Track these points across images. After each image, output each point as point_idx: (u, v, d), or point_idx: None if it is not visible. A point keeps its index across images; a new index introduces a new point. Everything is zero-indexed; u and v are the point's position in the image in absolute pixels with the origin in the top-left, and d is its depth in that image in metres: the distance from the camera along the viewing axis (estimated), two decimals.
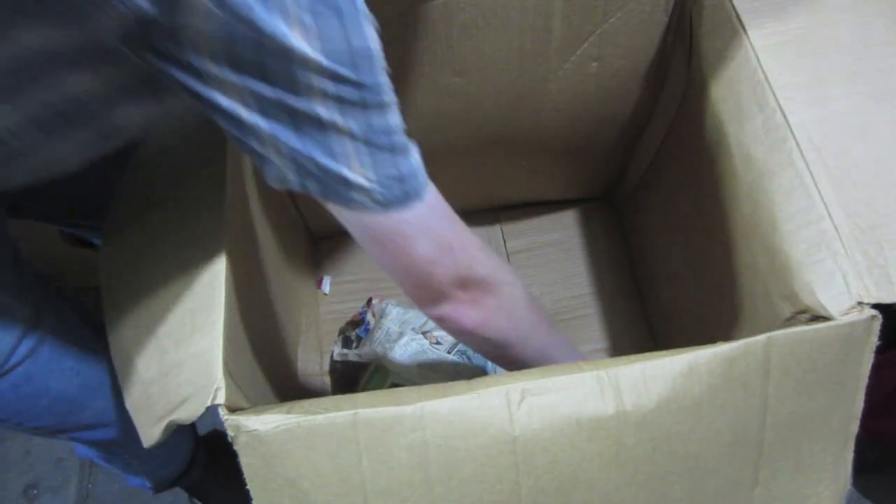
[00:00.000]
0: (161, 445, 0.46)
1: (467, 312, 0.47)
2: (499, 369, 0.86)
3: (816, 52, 0.54)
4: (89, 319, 0.63)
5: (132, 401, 0.48)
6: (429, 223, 0.43)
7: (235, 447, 0.43)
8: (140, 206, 0.57)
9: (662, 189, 0.83)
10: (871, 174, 0.48)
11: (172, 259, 0.52)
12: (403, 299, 0.93)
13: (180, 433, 0.78)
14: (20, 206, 0.59)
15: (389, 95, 0.38)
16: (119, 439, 0.69)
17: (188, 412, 0.44)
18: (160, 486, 0.92)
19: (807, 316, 0.48)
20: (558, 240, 1.00)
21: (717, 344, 0.44)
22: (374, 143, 0.38)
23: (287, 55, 0.33)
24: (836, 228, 0.46)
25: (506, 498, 0.43)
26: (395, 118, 0.39)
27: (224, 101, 0.35)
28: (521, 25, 0.67)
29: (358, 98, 0.36)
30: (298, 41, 0.32)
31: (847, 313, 0.44)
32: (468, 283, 0.46)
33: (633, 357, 0.45)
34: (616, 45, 0.71)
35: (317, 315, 0.95)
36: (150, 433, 0.46)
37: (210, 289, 0.48)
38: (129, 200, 0.58)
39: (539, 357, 0.52)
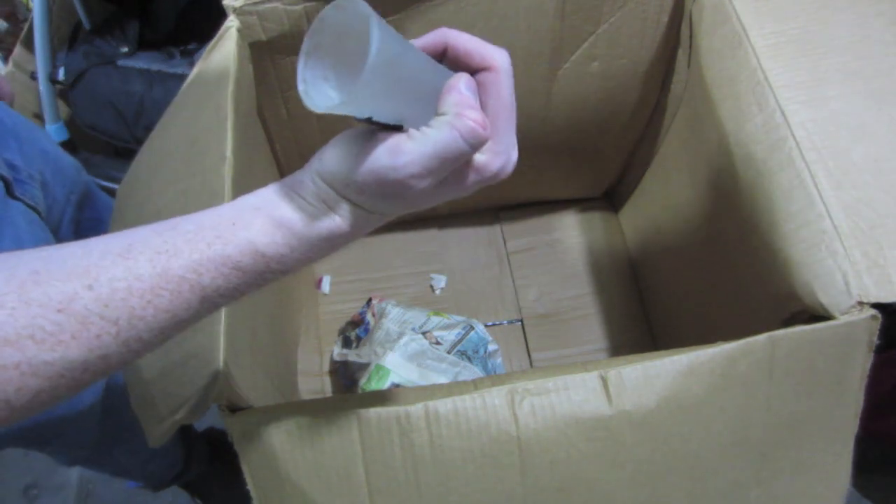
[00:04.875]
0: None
1: None
2: (498, 369, 0.86)
3: (816, 52, 0.54)
4: None
5: (136, 400, 0.48)
6: None
7: (236, 447, 0.43)
8: (141, 201, 0.57)
9: (662, 189, 0.83)
10: (871, 174, 0.48)
11: None
12: (403, 299, 0.93)
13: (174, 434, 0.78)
14: None
15: None
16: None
17: (190, 412, 0.44)
18: (159, 486, 0.92)
19: (806, 316, 0.48)
20: (558, 240, 1.00)
21: (718, 344, 0.44)
22: None
23: None
24: (836, 228, 0.46)
25: (506, 497, 0.43)
26: None
27: None
28: (521, 25, 0.67)
29: None
30: None
31: (847, 313, 0.44)
32: None
33: (633, 357, 0.45)
34: (616, 45, 0.71)
35: (317, 315, 0.95)
36: (155, 433, 0.46)
37: None
38: (133, 196, 0.58)
39: None
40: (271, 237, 0.30)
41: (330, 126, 0.74)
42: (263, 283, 0.31)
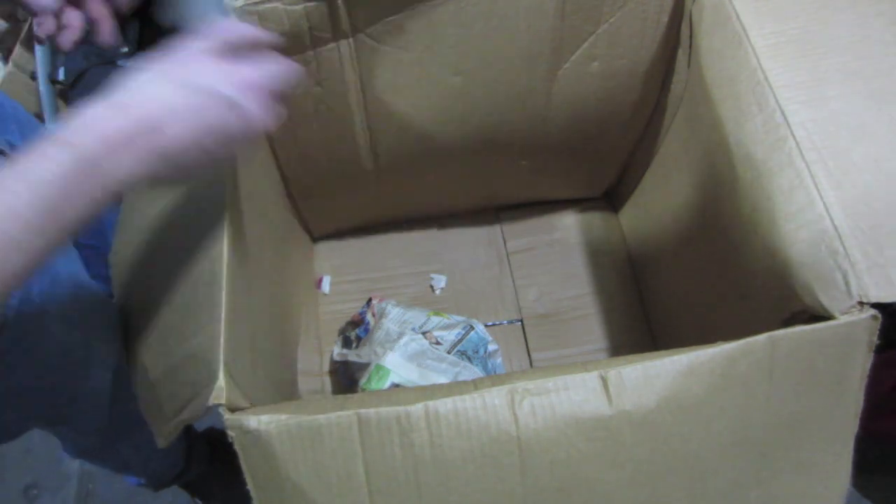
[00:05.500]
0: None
1: None
2: (498, 369, 0.86)
3: (816, 52, 0.55)
4: None
5: (143, 401, 0.49)
6: None
7: (236, 447, 0.43)
8: (145, 203, 0.57)
9: (662, 189, 0.83)
10: (871, 174, 0.49)
11: (174, 259, 0.52)
12: (403, 299, 0.93)
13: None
14: None
15: None
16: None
17: (191, 412, 0.44)
18: (159, 485, 0.92)
19: (807, 316, 0.49)
20: (558, 240, 1.00)
21: (718, 344, 0.44)
22: None
23: None
24: (836, 228, 0.46)
25: (506, 497, 0.43)
26: None
27: None
28: (521, 25, 0.67)
29: None
30: None
31: (847, 313, 0.44)
32: None
33: (633, 357, 0.45)
34: (616, 45, 0.71)
35: (317, 315, 0.95)
36: (163, 433, 0.46)
37: (210, 289, 0.49)
38: (137, 198, 0.59)
39: None
40: (3, 190, 0.30)
41: (329, 124, 0.74)
42: (23, 242, 0.31)
